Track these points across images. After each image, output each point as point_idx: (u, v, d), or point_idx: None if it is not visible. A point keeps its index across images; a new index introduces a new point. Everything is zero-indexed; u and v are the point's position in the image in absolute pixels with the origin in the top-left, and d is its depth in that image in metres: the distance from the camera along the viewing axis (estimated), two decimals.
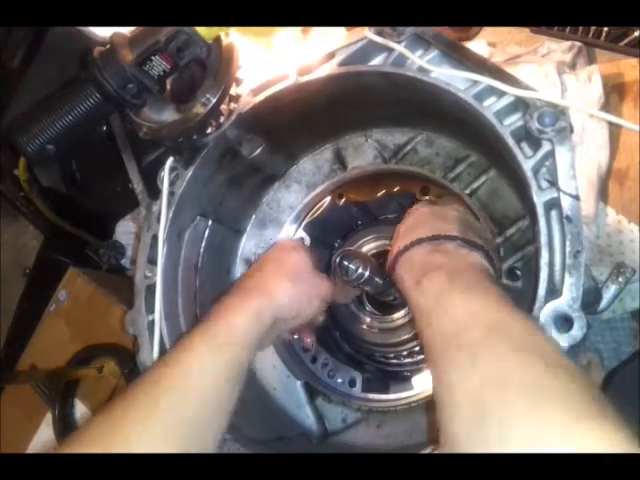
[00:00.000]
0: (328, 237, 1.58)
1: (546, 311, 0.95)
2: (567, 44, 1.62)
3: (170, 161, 1.32)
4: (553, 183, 1.01)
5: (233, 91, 1.25)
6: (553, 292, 0.98)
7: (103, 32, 1.55)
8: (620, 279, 1.09)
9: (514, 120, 1.07)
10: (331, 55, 1.22)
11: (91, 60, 1.12)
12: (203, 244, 1.45)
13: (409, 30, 1.15)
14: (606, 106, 1.50)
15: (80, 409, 1.82)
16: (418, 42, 1.16)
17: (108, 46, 1.12)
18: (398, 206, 1.52)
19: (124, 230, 2.04)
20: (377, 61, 1.21)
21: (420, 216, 1.19)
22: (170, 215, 1.30)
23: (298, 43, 1.48)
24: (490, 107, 1.07)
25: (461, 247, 1.03)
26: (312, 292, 1.21)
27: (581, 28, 1.67)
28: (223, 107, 1.25)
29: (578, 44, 1.62)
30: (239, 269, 1.55)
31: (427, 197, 1.41)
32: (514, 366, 0.74)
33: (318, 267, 1.27)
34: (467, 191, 1.33)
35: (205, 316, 1.11)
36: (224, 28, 1.17)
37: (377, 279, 1.26)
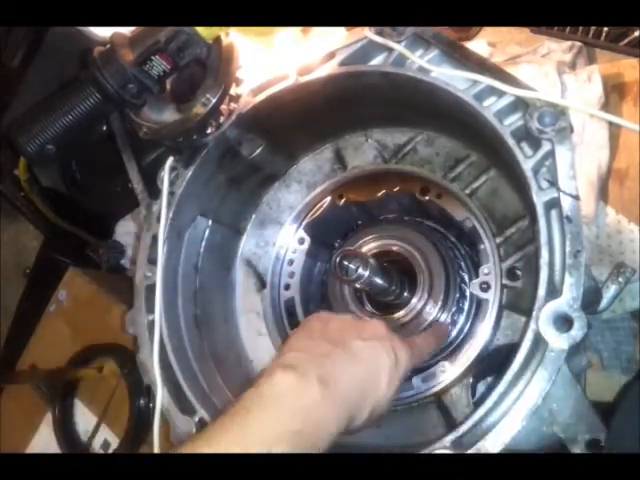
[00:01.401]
0: (328, 237, 1.58)
1: (546, 311, 0.96)
2: (567, 44, 1.62)
3: (170, 161, 1.32)
4: (553, 183, 1.01)
5: (233, 91, 1.25)
6: (553, 292, 0.98)
7: (103, 32, 1.55)
8: (620, 279, 1.09)
9: (514, 120, 1.07)
10: (331, 55, 1.22)
11: (91, 60, 1.12)
12: (203, 244, 1.45)
13: (409, 30, 1.15)
14: (606, 106, 1.50)
15: (80, 409, 1.82)
16: (418, 42, 1.16)
17: (108, 46, 1.12)
18: (398, 206, 1.52)
19: (124, 230, 2.04)
20: (377, 61, 1.21)
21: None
22: (170, 215, 1.30)
23: (298, 43, 1.48)
24: (490, 107, 1.07)
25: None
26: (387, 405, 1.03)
27: (581, 28, 1.67)
28: (223, 107, 1.25)
29: (578, 44, 1.62)
30: (239, 269, 1.55)
31: (426, 197, 1.41)
32: None
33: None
34: (467, 191, 1.33)
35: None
36: (224, 28, 1.17)
37: (377, 279, 1.26)
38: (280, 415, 0.87)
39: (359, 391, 0.97)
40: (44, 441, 1.82)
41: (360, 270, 1.20)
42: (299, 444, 0.86)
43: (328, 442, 0.90)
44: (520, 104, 1.06)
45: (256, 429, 0.84)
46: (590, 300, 1.05)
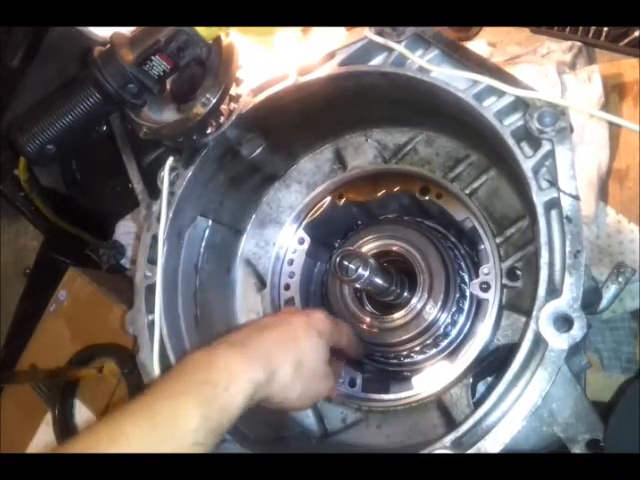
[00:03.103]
0: (328, 237, 1.58)
1: (546, 311, 0.96)
2: (567, 44, 1.62)
3: (170, 161, 1.32)
4: (553, 183, 1.01)
5: (233, 91, 1.25)
6: (553, 292, 0.98)
7: (103, 32, 1.55)
8: (620, 279, 1.09)
9: (514, 120, 1.07)
10: (331, 55, 1.22)
11: (91, 60, 1.12)
12: (203, 244, 1.45)
13: (409, 30, 1.15)
14: (606, 106, 1.50)
15: (80, 409, 1.82)
16: (418, 42, 1.16)
17: (108, 46, 1.12)
18: (398, 206, 1.52)
19: (124, 230, 2.04)
20: (377, 61, 1.21)
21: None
22: (170, 215, 1.30)
23: (298, 43, 1.49)
24: (490, 107, 1.07)
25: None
26: (312, 389, 1.09)
27: (581, 28, 1.67)
28: (223, 107, 1.25)
29: (578, 44, 1.62)
30: (239, 269, 1.55)
31: (426, 197, 1.41)
32: None
33: (331, 359, 1.16)
34: (467, 191, 1.33)
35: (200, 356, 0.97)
36: (224, 28, 1.17)
37: (377, 279, 1.26)
38: None
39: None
40: (44, 441, 1.82)
41: (360, 270, 1.20)
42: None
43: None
44: (520, 104, 1.06)
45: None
46: (590, 300, 1.05)
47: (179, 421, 0.86)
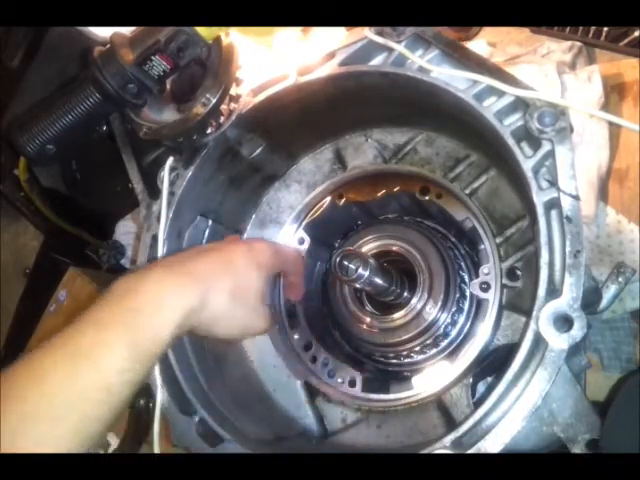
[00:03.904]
0: (328, 237, 1.58)
1: (546, 311, 0.96)
2: (567, 44, 1.62)
3: (170, 161, 1.32)
4: (553, 183, 1.01)
5: (233, 91, 1.25)
6: (553, 292, 0.98)
7: (103, 32, 1.55)
8: (620, 279, 1.09)
9: (514, 120, 1.07)
10: (331, 55, 1.22)
11: (91, 60, 1.12)
12: (203, 244, 1.45)
13: (409, 30, 1.15)
14: (606, 106, 1.50)
15: None
16: (418, 42, 1.16)
17: (108, 46, 1.12)
18: (398, 206, 1.52)
19: (124, 230, 2.04)
20: (377, 61, 1.21)
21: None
22: (170, 215, 1.30)
23: (298, 43, 1.49)
24: (490, 107, 1.07)
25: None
26: (243, 320, 1.07)
27: (581, 28, 1.67)
28: (223, 107, 1.25)
29: (578, 44, 1.62)
30: None
31: (426, 197, 1.41)
32: None
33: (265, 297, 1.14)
34: (467, 191, 1.33)
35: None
36: (224, 28, 1.17)
37: (377, 279, 1.26)
38: None
39: None
40: None
41: (360, 270, 1.20)
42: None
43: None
44: (520, 104, 1.06)
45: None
46: (590, 300, 1.05)
47: (101, 350, 0.84)
